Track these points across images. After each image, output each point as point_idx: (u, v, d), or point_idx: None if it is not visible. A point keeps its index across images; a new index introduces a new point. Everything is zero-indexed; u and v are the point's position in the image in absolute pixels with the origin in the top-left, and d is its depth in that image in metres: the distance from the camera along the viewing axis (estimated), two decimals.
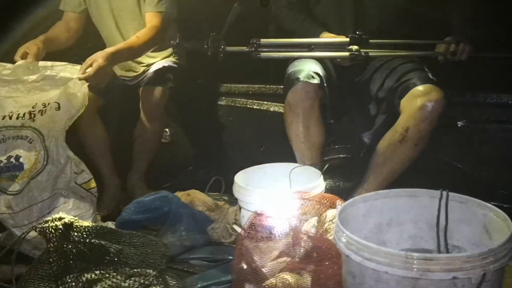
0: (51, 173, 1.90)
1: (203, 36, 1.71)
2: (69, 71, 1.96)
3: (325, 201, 1.64)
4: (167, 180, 2.49)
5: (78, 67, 1.96)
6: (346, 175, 2.16)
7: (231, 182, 2.26)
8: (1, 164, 1.88)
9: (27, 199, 1.87)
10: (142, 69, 2.42)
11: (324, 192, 1.76)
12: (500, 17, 2.04)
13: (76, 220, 1.45)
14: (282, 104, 2.31)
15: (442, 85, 1.77)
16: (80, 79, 1.92)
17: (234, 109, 2.46)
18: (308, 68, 1.81)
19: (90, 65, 1.94)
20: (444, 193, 1.24)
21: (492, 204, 1.86)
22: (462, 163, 2.02)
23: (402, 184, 1.82)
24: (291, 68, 1.86)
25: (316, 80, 1.78)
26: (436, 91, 1.71)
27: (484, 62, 1.96)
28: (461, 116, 1.97)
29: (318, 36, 1.92)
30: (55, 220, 1.43)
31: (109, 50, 2.05)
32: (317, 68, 1.84)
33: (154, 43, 2.22)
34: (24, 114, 1.91)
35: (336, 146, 2.17)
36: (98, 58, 1.95)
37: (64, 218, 1.44)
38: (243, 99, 2.44)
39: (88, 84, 1.95)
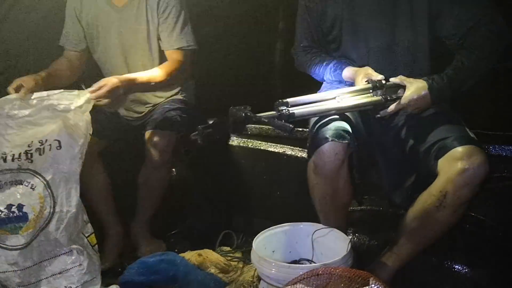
0: (61, 222, 1.75)
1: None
2: (67, 98, 1.78)
3: (356, 278, 1.49)
4: (174, 227, 2.32)
5: (75, 92, 1.79)
6: (371, 230, 1.99)
7: (241, 231, 2.11)
8: (1, 215, 1.71)
9: (37, 254, 1.74)
10: (147, 109, 2.25)
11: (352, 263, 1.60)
12: None
13: None
14: (299, 148, 2.17)
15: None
16: (91, 98, 1.79)
17: (246, 150, 2.29)
18: (336, 126, 1.63)
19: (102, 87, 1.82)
20: None
21: None
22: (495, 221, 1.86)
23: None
24: (317, 126, 1.68)
25: (345, 140, 1.61)
26: (478, 154, 1.52)
27: None
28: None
29: (342, 70, 1.81)
30: None
31: (127, 75, 1.94)
32: (345, 125, 1.67)
33: (177, 76, 2.12)
34: (20, 155, 1.74)
35: (365, 196, 2.00)
36: (112, 79, 1.85)
37: None
38: (256, 141, 2.26)
39: (99, 104, 1.83)
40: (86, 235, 1.84)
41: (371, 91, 1.68)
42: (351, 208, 2.04)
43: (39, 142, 1.75)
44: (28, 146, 1.75)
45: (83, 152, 1.79)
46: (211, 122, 1.47)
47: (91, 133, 1.80)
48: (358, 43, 1.83)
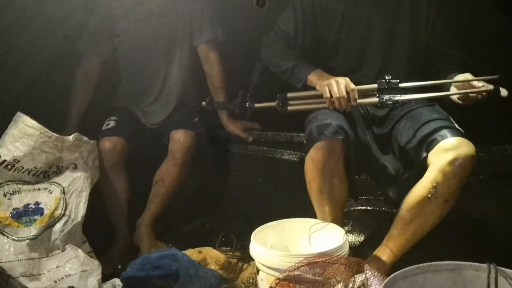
0: (66, 226, 1.91)
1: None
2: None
3: (352, 265, 1.53)
4: (175, 230, 2.37)
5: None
6: (367, 228, 2.04)
7: (241, 233, 2.14)
8: (19, 210, 1.86)
9: (39, 249, 1.84)
10: (168, 113, 2.37)
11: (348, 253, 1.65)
12: None
13: None
14: (295, 152, 2.24)
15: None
16: None
17: (246, 157, 2.36)
18: (333, 123, 1.70)
19: None
20: (492, 267, 1.12)
21: None
22: (484, 216, 1.92)
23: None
24: (315, 122, 1.75)
25: (341, 136, 1.68)
26: (466, 145, 1.60)
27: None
28: (484, 169, 1.87)
29: (306, 75, 1.80)
30: None
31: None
32: (342, 122, 1.74)
33: None
34: (39, 174, 1.96)
35: (359, 197, 2.06)
36: None
37: None
38: (255, 147, 2.34)
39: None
40: (86, 251, 1.95)
41: (376, 92, 1.75)
42: (349, 208, 2.11)
43: (56, 167, 2.00)
44: (49, 167, 1.98)
45: (93, 180, 2.07)
46: None
47: (98, 176, 2.11)
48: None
